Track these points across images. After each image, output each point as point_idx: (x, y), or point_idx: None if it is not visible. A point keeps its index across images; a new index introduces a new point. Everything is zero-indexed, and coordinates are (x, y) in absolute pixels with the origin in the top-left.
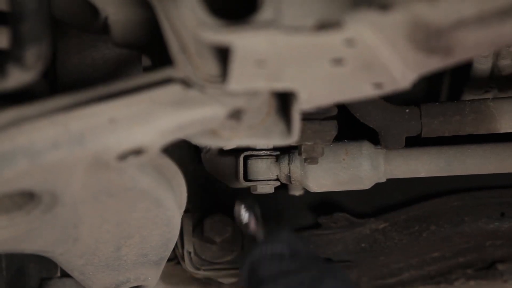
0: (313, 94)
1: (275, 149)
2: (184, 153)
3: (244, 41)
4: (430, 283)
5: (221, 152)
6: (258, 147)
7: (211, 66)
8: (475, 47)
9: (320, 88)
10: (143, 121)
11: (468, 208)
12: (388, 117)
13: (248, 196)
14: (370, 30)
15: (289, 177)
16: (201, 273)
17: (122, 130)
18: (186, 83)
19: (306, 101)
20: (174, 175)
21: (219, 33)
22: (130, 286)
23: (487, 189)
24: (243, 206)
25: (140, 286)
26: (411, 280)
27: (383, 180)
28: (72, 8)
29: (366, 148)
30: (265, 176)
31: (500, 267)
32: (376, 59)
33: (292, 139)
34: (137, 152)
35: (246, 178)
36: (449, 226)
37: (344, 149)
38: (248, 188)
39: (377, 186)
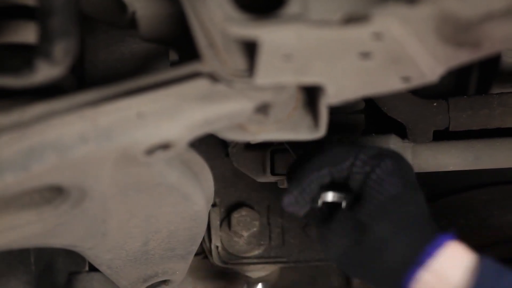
0: (341, 88)
1: None
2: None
3: (271, 36)
4: None
5: (249, 146)
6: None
7: (238, 61)
8: (504, 40)
9: (347, 82)
10: (171, 116)
11: (497, 202)
12: (415, 110)
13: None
14: (398, 23)
15: None
16: (229, 267)
17: (150, 124)
18: (213, 77)
19: (333, 95)
20: (201, 170)
21: (246, 28)
22: (157, 280)
23: None
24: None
25: (168, 280)
26: None
27: None
28: (100, 3)
29: (394, 142)
30: None
31: None
32: (404, 53)
33: (320, 134)
34: (165, 146)
35: (273, 172)
36: (478, 220)
37: (371, 143)
38: (276, 183)
39: None
